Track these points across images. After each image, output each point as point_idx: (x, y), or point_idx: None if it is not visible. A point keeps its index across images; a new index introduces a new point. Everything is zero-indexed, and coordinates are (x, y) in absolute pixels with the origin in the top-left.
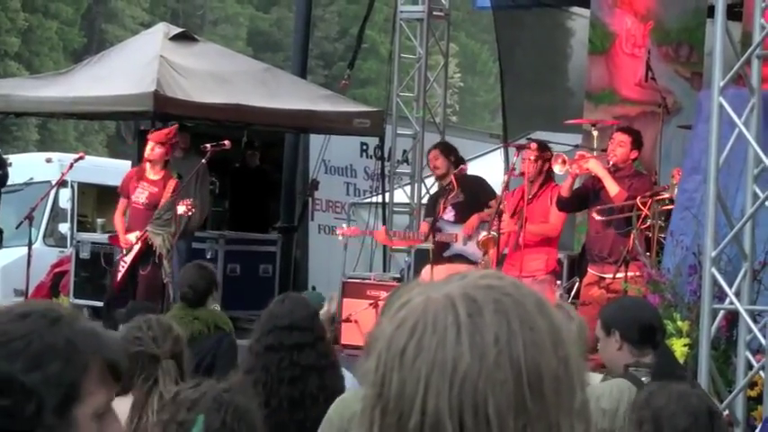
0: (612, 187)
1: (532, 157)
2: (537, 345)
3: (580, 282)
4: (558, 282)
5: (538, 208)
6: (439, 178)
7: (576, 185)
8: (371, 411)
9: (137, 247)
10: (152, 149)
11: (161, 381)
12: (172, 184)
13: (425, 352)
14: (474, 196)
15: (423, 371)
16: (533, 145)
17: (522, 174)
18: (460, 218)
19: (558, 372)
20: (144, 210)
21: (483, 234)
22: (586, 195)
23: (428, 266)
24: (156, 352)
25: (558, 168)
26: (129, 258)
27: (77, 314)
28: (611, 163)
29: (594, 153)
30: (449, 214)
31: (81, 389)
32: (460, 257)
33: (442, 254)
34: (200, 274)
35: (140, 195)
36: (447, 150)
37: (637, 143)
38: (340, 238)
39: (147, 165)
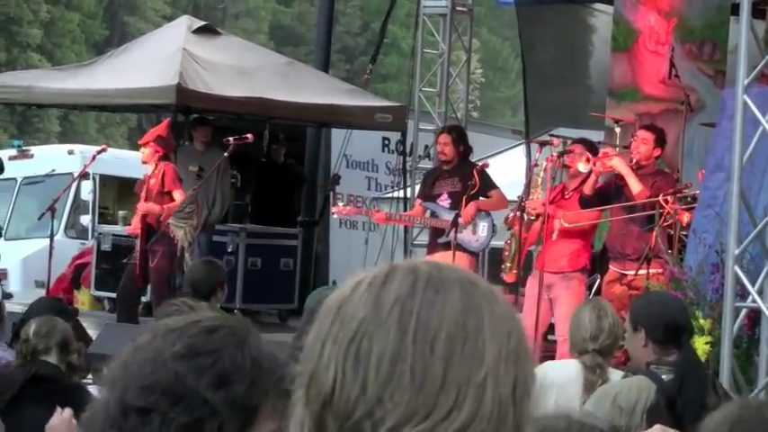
0: (635, 185)
1: (571, 153)
2: (436, 305)
3: (601, 279)
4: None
5: (571, 203)
6: (443, 162)
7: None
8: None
9: (140, 236)
10: (141, 152)
11: None
12: (161, 167)
13: (342, 304)
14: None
15: (326, 320)
16: (556, 142)
17: (568, 167)
18: (455, 205)
19: (456, 335)
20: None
21: (511, 214)
22: (609, 193)
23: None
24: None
25: (581, 166)
26: (138, 249)
27: (259, 335)
28: (633, 161)
29: (617, 150)
30: (444, 201)
31: (259, 414)
32: (456, 245)
33: (436, 240)
34: (207, 271)
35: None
36: (458, 139)
37: (660, 141)
38: (335, 216)
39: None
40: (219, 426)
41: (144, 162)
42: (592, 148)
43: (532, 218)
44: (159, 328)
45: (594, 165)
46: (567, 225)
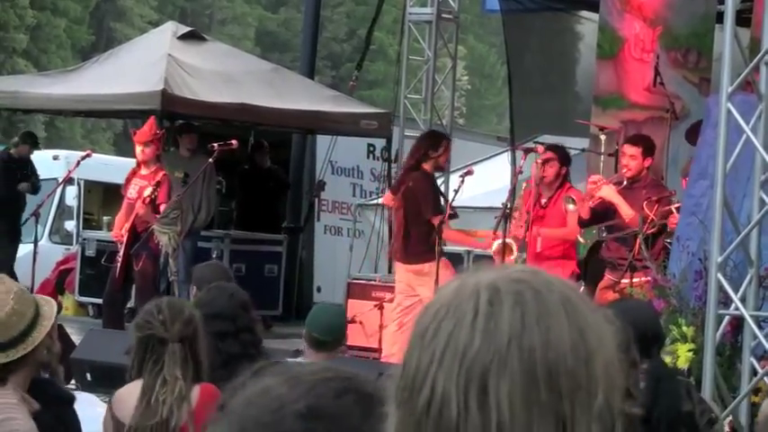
0: (626, 211)
1: (540, 161)
2: (550, 342)
3: (594, 286)
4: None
5: (555, 212)
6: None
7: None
8: (395, 388)
9: (125, 242)
10: (141, 152)
11: (166, 364)
12: (159, 175)
13: (441, 333)
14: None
15: (437, 351)
16: (540, 149)
17: (543, 177)
18: None
19: (575, 370)
20: (132, 204)
21: (498, 243)
22: (606, 210)
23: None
24: (164, 335)
25: (571, 207)
26: (121, 253)
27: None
28: (624, 181)
29: (602, 158)
30: None
31: None
32: None
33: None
34: (226, 276)
35: (132, 190)
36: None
37: (648, 150)
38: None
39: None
40: None
41: (143, 162)
42: (564, 155)
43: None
44: (290, 373)
45: (583, 202)
46: (541, 234)
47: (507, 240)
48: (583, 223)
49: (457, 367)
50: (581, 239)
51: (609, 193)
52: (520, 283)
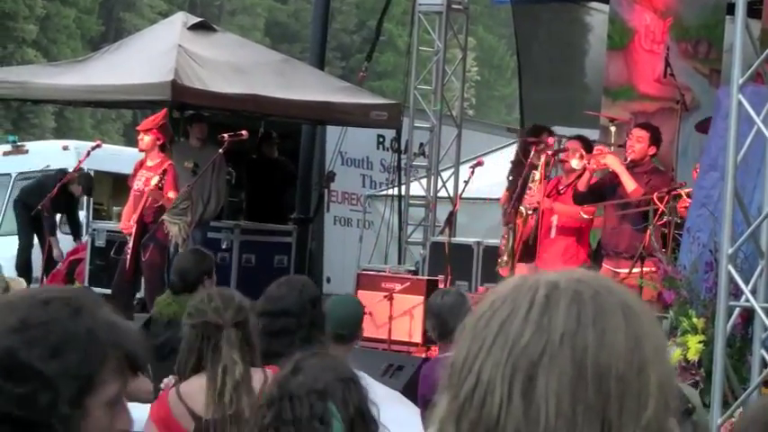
0: (629, 183)
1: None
2: (604, 344)
3: None
4: None
5: (568, 199)
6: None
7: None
8: (445, 376)
9: (134, 233)
10: (140, 140)
11: (224, 350)
12: (165, 164)
13: (494, 322)
14: None
15: (487, 339)
16: (551, 140)
17: (563, 161)
18: None
19: (626, 376)
20: (139, 195)
21: (508, 210)
22: (603, 190)
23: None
24: (218, 321)
25: (575, 163)
26: (130, 245)
27: (99, 303)
28: (628, 159)
29: (612, 149)
30: None
31: (97, 379)
32: None
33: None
34: (194, 260)
35: (138, 182)
36: None
37: (655, 139)
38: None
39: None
40: (54, 395)
41: (142, 150)
42: (588, 145)
43: (530, 211)
44: (1, 303)
45: (588, 162)
46: (554, 209)
47: (522, 208)
48: (578, 197)
49: (505, 357)
50: (584, 215)
51: (613, 161)
52: (580, 283)
